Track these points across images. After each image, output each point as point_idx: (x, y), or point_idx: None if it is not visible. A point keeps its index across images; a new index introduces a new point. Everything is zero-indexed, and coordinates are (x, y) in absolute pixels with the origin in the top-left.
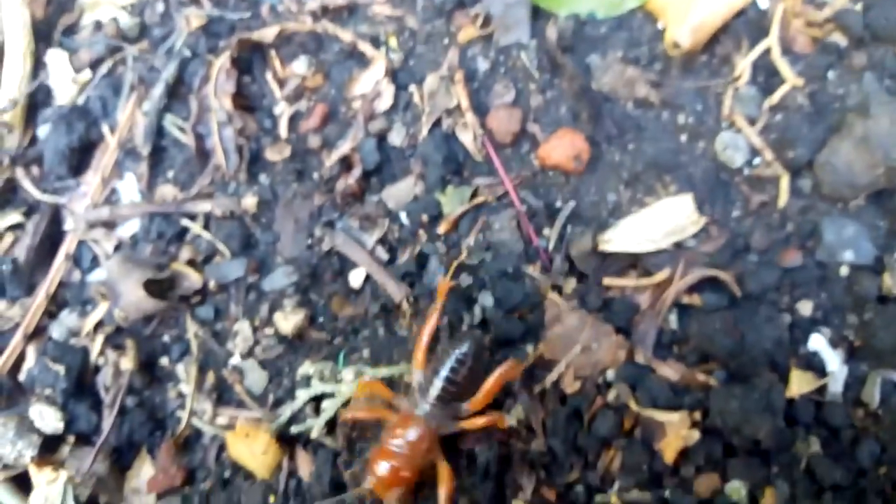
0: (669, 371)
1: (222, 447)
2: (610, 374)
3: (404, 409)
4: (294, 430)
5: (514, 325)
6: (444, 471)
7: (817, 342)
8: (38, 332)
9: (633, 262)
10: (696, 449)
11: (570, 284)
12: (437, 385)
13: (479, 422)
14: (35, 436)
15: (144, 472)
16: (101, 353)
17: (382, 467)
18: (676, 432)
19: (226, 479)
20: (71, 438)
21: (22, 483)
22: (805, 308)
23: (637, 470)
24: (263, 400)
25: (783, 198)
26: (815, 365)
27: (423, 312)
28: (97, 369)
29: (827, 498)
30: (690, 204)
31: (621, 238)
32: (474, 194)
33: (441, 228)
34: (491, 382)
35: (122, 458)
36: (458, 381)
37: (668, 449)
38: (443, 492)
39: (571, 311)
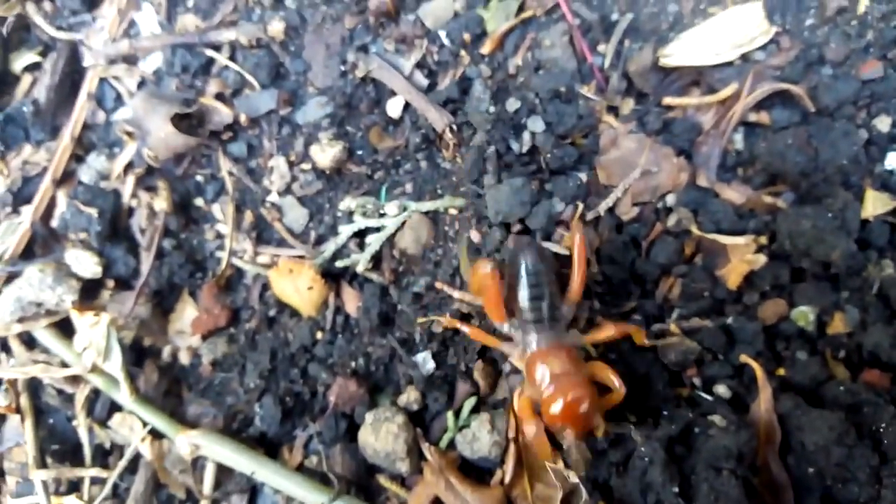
0: (734, 194)
1: (265, 286)
2: (670, 199)
3: (525, 350)
4: (339, 265)
5: (566, 151)
6: (608, 377)
7: (895, 160)
8: (66, 177)
9: (696, 79)
10: (761, 274)
11: (628, 105)
12: (529, 309)
13: (610, 332)
14: (74, 280)
15: (188, 314)
16: (134, 195)
17: (557, 409)
18: (741, 257)
19: (271, 318)
20: (110, 283)
21: (65, 328)
22: (884, 124)
23: (698, 297)
24: (305, 237)
25: (863, 2)
26: (891, 185)
27: (466, 142)
28: (131, 212)
29: None
30: (760, 12)
31: (683, 52)
32: (521, 8)
33: (485, 48)
34: (575, 271)
35: (163, 301)
36: (543, 292)
37: (732, 274)
38: (615, 398)
39: (629, 134)
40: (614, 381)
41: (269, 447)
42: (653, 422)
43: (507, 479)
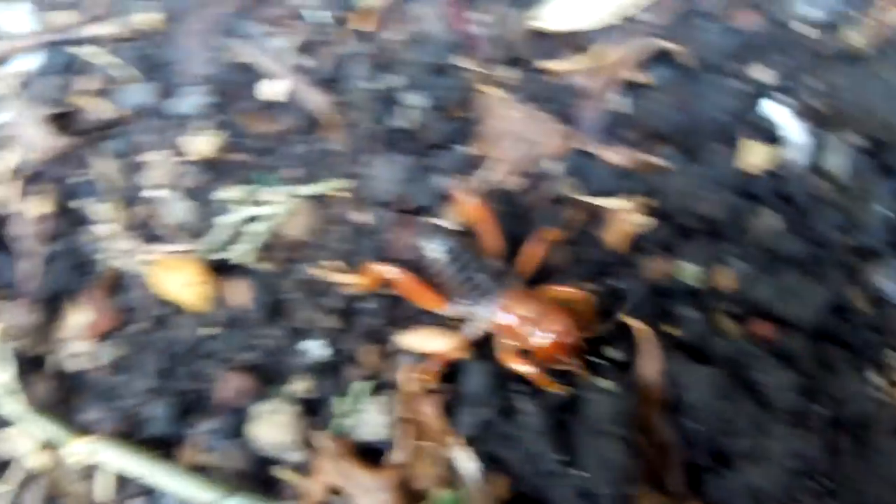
0: (616, 156)
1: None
2: (553, 166)
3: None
4: (225, 257)
5: (447, 124)
6: (564, 293)
7: (775, 110)
8: None
9: (574, 42)
10: (645, 234)
11: (508, 73)
12: (469, 287)
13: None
14: None
15: (77, 319)
16: (15, 199)
17: (548, 341)
18: (624, 219)
19: (161, 316)
20: None
21: None
22: (763, 74)
23: (586, 261)
24: (190, 231)
25: None
26: (771, 134)
27: (348, 121)
28: (9, 218)
29: (784, 272)
30: None
31: (560, 16)
32: None
33: (361, 25)
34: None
35: (52, 307)
36: (471, 265)
37: (616, 236)
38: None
39: (510, 103)
40: (572, 292)
41: (165, 448)
42: None
43: (401, 459)
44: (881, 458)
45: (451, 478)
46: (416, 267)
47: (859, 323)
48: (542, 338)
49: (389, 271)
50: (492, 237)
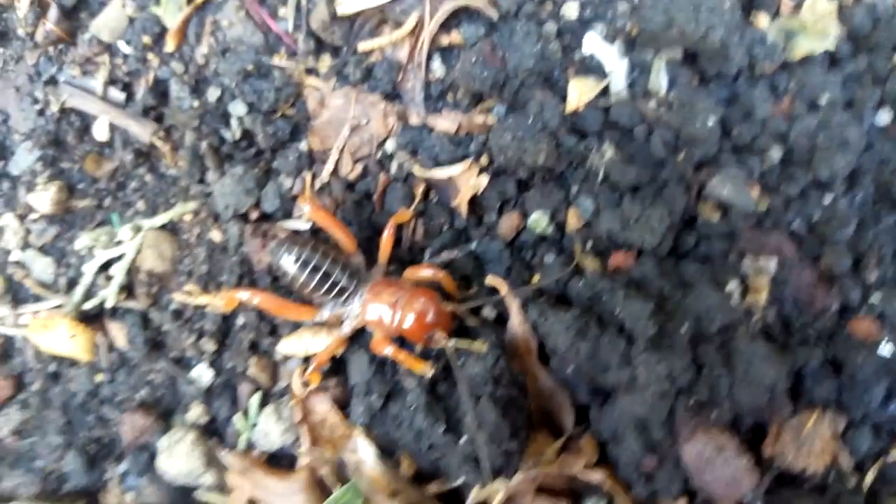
0: (447, 123)
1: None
2: (389, 145)
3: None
4: (90, 305)
5: (277, 126)
6: (423, 272)
7: (591, 43)
8: None
9: (381, 18)
10: (488, 194)
11: (325, 62)
12: (328, 289)
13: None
14: None
15: None
16: None
17: (412, 321)
18: (465, 182)
19: (53, 373)
20: None
21: None
22: (572, 10)
23: (439, 232)
24: (56, 286)
25: None
26: (593, 68)
27: (180, 144)
28: None
29: (630, 201)
30: None
31: None
32: None
33: (169, 46)
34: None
35: None
36: (326, 268)
37: (463, 202)
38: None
39: (333, 92)
40: (429, 269)
41: (90, 496)
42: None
43: (307, 460)
44: (744, 362)
45: (355, 467)
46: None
47: (711, 234)
48: (408, 320)
49: (246, 294)
50: (340, 234)
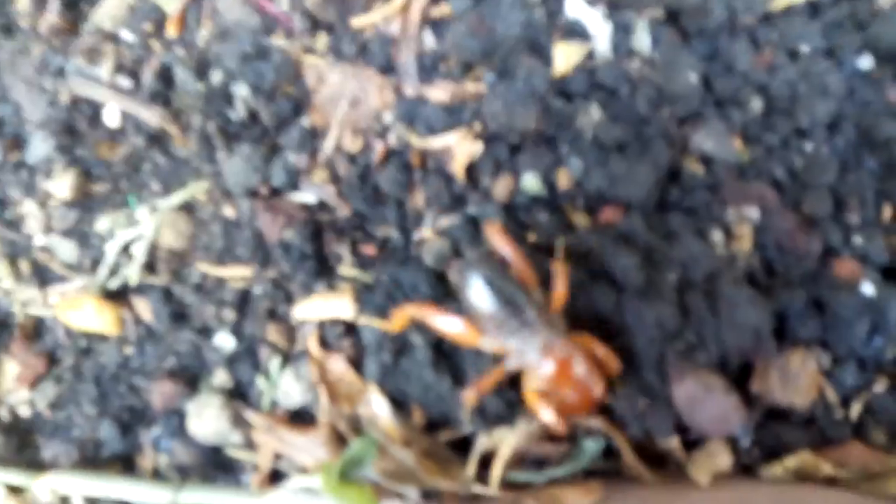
0: (440, 93)
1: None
2: (386, 118)
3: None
4: (115, 283)
5: (280, 105)
6: (602, 353)
7: (574, 8)
8: None
9: None
10: (482, 159)
11: (321, 40)
12: (511, 317)
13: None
14: None
15: (9, 371)
16: None
17: (574, 400)
18: (461, 149)
19: (84, 349)
20: None
21: None
22: None
23: (439, 199)
24: (81, 267)
25: None
26: (578, 32)
27: (188, 126)
28: None
29: (616, 159)
30: None
31: None
32: None
33: (171, 32)
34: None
35: None
36: (515, 297)
37: (459, 167)
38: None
39: (331, 68)
40: (610, 358)
41: (126, 461)
42: None
43: (327, 416)
44: (729, 307)
45: (370, 421)
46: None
47: (695, 186)
48: (571, 397)
49: (417, 311)
50: (523, 265)
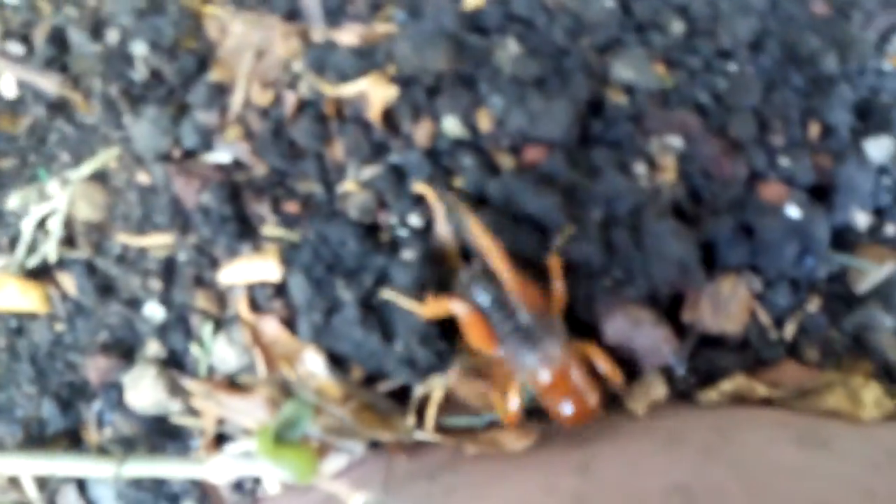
0: (349, 36)
1: None
2: (296, 66)
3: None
4: (35, 261)
5: (183, 61)
6: (603, 362)
7: None
8: None
9: None
10: (399, 104)
11: None
12: (516, 333)
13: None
14: None
15: None
16: None
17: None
18: (375, 95)
19: (16, 328)
20: None
21: None
22: None
23: (360, 148)
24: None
25: None
26: None
27: (90, 91)
28: None
29: (534, 96)
30: None
31: None
32: None
33: None
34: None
35: None
36: (517, 313)
37: (375, 114)
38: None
39: (233, 17)
40: (612, 370)
41: (72, 437)
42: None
43: (264, 378)
44: (653, 240)
45: (303, 380)
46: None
47: (619, 118)
48: (565, 409)
49: (458, 308)
50: (506, 266)
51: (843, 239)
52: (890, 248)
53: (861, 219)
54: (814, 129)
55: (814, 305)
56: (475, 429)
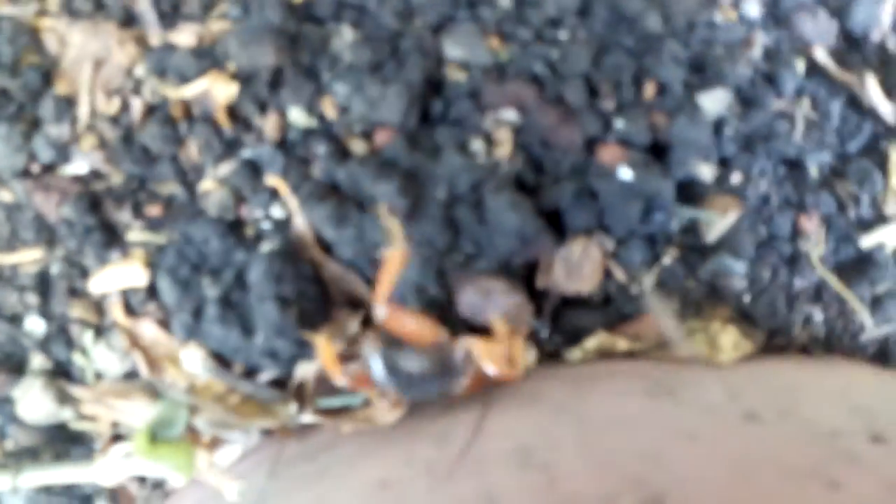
0: (186, 37)
1: None
2: (139, 72)
3: None
4: None
5: (28, 77)
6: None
7: None
8: None
9: None
10: (242, 100)
11: (54, 1)
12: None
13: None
14: None
15: None
16: None
17: None
18: (216, 94)
19: None
20: None
21: None
22: None
23: (211, 147)
24: None
25: None
26: None
27: None
28: None
29: (371, 82)
30: None
31: None
32: None
33: None
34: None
35: None
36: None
37: (220, 112)
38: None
39: (70, 28)
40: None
41: None
42: None
43: (137, 382)
44: (493, 213)
45: (173, 381)
46: None
47: (458, 96)
48: None
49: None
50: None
51: (692, 191)
52: (735, 197)
53: (705, 171)
54: (649, 89)
55: (669, 258)
56: (352, 407)
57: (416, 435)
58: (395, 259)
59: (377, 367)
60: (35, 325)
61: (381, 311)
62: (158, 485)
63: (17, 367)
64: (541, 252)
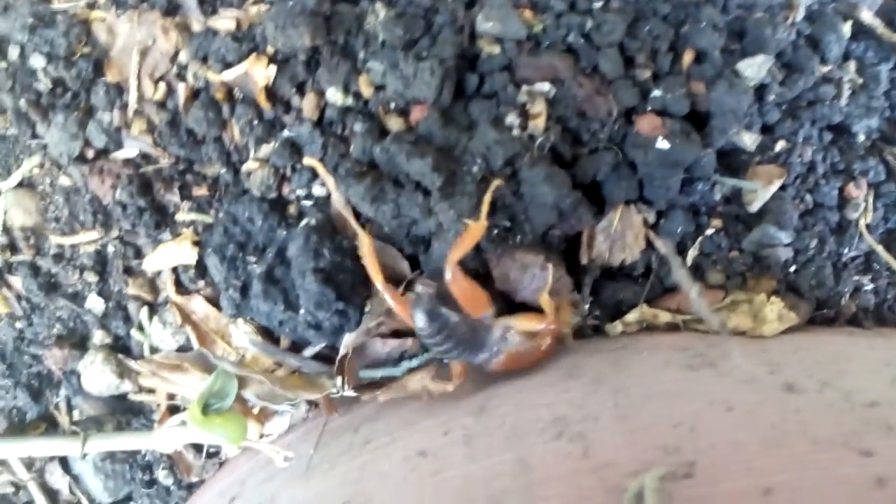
0: (226, 22)
1: None
2: (183, 57)
3: None
4: None
5: (80, 67)
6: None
7: None
8: None
9: None
10: (281, 81)
11: None
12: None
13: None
14: None
15: None
16: None
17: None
18: (256, 76)
19: None
20: None
21: None
22: None
23: (253, 128)
24: None
25: None
26: None
27: (2, 107)
28: None
29: (405, 59)
30: None
31: None
32: None
33: None
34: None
35: None
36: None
37: (259, 94)
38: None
39: (118, 19)
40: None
41: (48, 421)
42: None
43: (189, 355)
44: (529, 187)
45: (225, 353)
46: None
47: (493, 69)
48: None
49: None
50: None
51: (734, 160)
52: (779, 165)
53: (747, 139)
54: (686, 57)
55: (713, 228)
56: (395, 378)
57: (456, 407)
58: (475, 230)
59: (420, 303)
60: (95, 302)
61: (448, 272)
62: (214, 453)
63: (81, 343)
64: (580, 225)
